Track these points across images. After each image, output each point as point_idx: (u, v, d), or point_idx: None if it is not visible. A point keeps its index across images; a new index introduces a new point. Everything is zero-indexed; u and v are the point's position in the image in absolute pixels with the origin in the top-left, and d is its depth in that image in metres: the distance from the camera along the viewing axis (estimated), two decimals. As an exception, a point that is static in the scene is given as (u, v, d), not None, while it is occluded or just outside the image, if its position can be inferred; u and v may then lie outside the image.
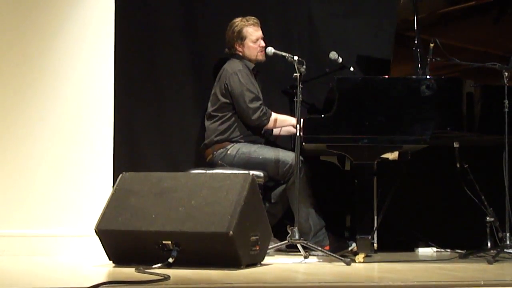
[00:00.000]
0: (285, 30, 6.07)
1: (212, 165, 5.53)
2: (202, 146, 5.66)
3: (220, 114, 5.59)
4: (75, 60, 5.41)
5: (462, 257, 5.28)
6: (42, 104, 5.35)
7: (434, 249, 5.84)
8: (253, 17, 5.68)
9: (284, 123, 5.61)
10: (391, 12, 5.88)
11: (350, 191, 5.55)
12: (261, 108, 5.54)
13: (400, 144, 5.09)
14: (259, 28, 5.68)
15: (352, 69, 5.81)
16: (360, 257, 4.93)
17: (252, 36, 5.65)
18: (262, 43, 5.66)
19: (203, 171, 5.20)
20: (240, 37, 5.65)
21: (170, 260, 4.35)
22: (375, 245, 5.43)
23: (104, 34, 5.44)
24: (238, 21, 5.67)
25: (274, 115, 5.58)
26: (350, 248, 5.19)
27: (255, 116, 5.53)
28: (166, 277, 3.85)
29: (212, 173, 5.05)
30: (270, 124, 5.58)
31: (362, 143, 5.04)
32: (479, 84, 5.25)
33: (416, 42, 5.36)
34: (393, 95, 5.10)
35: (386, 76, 5.48)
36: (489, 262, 4.90)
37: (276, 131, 5.76)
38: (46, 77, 5.37)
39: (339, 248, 5.25)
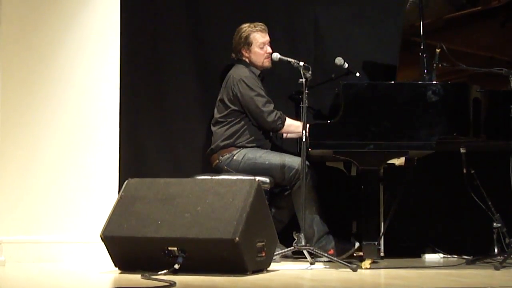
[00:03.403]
0: (290, 36, 6.06)
1: (218, 170, 5.53)
2: (208, 152, 5.66)
3: (227, 120, 5.59)
4: (81, 65, 5.42)
5: (469, 263, 5.26)
6: (48, 110, 5.36)
7: (441, 255, 5.82)
8: (260, 23, 5.68)
9: (299, 128, 5.51)
10: (397, 18, 5.86)
11: (356, 197, 5.54)
12: (275, 112, 5.54)
13: (406, 149, 5.07)
14: (267, 34, 5.68)
15: (358, 74, 5.80)
16: (366, 263, 4.92)
17: (259, 42, 5.64)
18: (269, 49, 5.65)
19: (209, 177, 5.20)
20: (247, 43, 5.65)
21: (176, 266, 4.34)
22: (382, 251, 5.42)
23: (110, 39, 5.45)
24: (245, 26, 5.67)
25: (289, 121, 5.57)
26: (355, 247, 5.19)
27: (270, 119, 5.52)
28: (172, 284, 3.84)
29: (218, 179, 5.04)
30: (285, 129, 5.58)
31: (368, 149, 5.02)
32: (485, 89, 5.23)
33: (422, 47, 5.35)
34: (399, 101, 5.08)
35: (392, 82, 5.46)
36: (496, 268, 4.88)
37: (285, 134, 5.75)
38: (53, 82, 5.37)
39: (343, 250, 5.25)
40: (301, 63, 5.18)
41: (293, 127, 5.59)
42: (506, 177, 5.06)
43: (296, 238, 4.92)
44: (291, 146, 5.84)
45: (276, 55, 5.53)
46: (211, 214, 4.43)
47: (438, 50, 5.22)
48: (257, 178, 4.81)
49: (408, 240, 5.90)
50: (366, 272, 4.80)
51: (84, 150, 5.38)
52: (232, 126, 5.58)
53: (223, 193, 4.52)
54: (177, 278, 4.05)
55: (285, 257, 5.33)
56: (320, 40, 6.10)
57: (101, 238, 4.56)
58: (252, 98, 5.53)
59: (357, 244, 5.15)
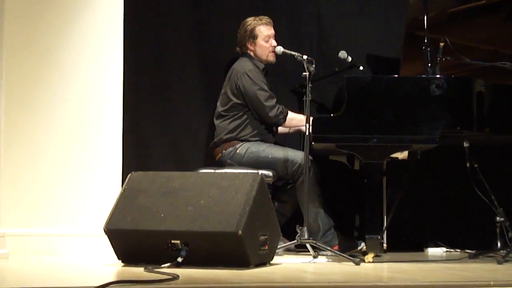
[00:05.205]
0: (294, 29, 6.06)
1: (221, 164, 5.53)
2: (212, 145, 5.66)
3: (230, 113, 5.58)
4: (84, 60, 5.42)
5: (472, 257, 5.27)
6: (51, 105, 5.36)
7: (444, 249, 5.83)
8: (266, 17, 5.67)
9: (301, 122, 5.48)
10: (401, 11, 5.86)
11: (359, 190, 5.54)
12: (277, 106, 5.53)
13: (409, 143, 5.07)
14: (272, 28, 5.67)
15: (361, 68, 5.80)
16: (369, 257, 4.92)
17: (264, 35, 5.63)
18: (274, 43, 5.64)
19: (212, 171, 5.20)
20: (252, 36, 5.64)
21: (179, 259, 4.35)
22: (385, 245, 5.41)
23: (113, 33, 5.45)
24: (251, 20, 5.66)
25: (291, 115, 5.56)
26: (359, 248, 5.18)
27: (272, 114, 5.52)
28: (175, 277, 3.84)
29: (221, 172, 5.04)
30: (287, 123, 5.57)
31: (371, 143, 5.02)
32: (489, 83, 5.23)
33: (426, 41, 5.34)
34: (402, 95, 5.08)
35: (396, 76, 5.46)
36: (499, 262, 4.88)
37: (286, 129, 5.74)
38: (56, 77, 5.38)
39: (348, 248, 5.24)
40: (305, 57, 5.18)
41: (295, 121, 5.59)
42: (509, 171, 5.07)
43: (299, 232, 4.92)
44: (294, 140, 5.84)
45: (280, 49, 5.53)
46: (214, 208, 4.43)
47: (441, 44, 5.21)
48: (260, 171, 4.80)
49: (411, 234, 5.90)
50: (369, 265, 4.81)
51: (88, 143, 5.38)
52: (235, 120, 5.57)
53: (226, 186, 4.52)
54: (180, 271, 4.06)
55: (288, 250, 5.34)
56: (323, 33, 6.09)
57: (104, 231, 4.56)
58: (255, 92, 5.52)
59: (362, 244, 5.13)
